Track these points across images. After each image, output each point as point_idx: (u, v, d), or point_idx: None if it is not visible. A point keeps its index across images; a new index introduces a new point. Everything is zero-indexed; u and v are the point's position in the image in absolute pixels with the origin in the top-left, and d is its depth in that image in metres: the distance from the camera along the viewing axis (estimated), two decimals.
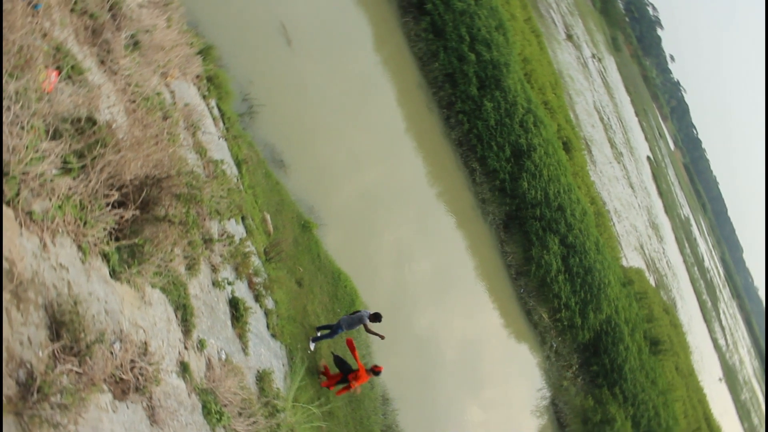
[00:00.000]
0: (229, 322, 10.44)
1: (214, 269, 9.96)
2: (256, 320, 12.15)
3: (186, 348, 7.75)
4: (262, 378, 11.17)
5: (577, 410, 33.09)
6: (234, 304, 10.76)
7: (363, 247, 22.69)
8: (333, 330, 15.85)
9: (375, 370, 15.54)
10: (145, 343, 5.72)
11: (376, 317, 15.66)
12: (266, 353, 12.45)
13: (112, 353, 4.91)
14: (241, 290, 11.76)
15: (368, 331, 15.76)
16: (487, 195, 33.09)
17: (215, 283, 9.94)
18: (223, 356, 9.27)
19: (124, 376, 5.04)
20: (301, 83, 23.39)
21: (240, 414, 8.83)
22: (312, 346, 15.83)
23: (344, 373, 15.36)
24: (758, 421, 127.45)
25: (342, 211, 22.23)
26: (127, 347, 5.24)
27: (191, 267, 8.44)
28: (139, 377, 5.37)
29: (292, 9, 25.16)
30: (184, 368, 7.34)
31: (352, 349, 15.21)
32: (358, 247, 22.34)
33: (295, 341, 14.78)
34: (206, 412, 7.75)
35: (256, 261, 13.29)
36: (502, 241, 33.34)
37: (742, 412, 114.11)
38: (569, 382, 34.16)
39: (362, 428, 16.87)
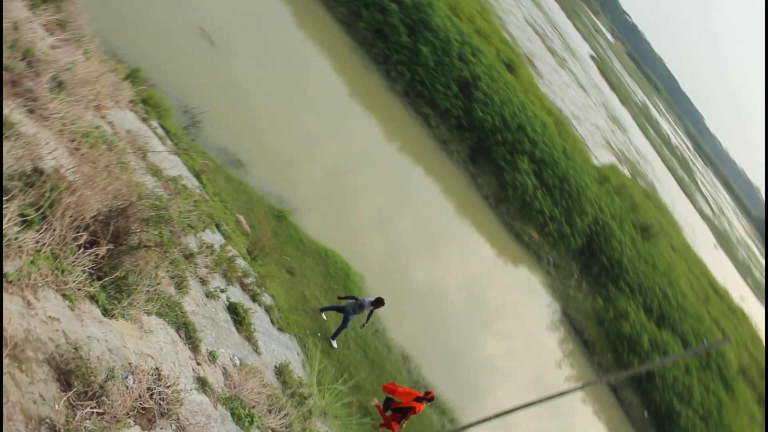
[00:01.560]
0: (233, 328, 10.46)
1: (204, 281, 9.94)
2: (259, 319, 12.18)
3: (198, 363, 7.77)
4: (281, 372, 11.24)
5: (589, 314, 33.67)
6: (232, 309, 10.77)
7: (342, 221, 22.71)
8: (344, 319, 15.98)
9: (428, 397, 15.58)
10: (157, 369, 5.73)
11: (378, 302, 15.86)
12: (278, 348, 12.51)
13: (127, 387, 4.93)
14: (236, 295, 11.75)
15: (367, 318, 16.15)
16: (446, 135, 33.17)
17: (209, 295, 9.93)
18: (237, 362, 9.31)
19: (146, 405, 5.07)
20: (236, 80, 23.14)
21: (270, 411, 8.90)
22: (323, 315, 16.20)
23: (402, 413, 15.40)
24: (759, 274, 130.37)
25: (312, 192, 22.19)
26: (140, 378, 5.25)
27: (180, 285, 8.42)
28: (161, 402, 5.39)
29: (205, 11, 24.78)
30: (202, 383, 7.37)
31: (392, 391, 15.38)
32: (338, 222, 22.36)
33: (303, 329, 14.85)
34: (236, 418, 7.81)
35: (242, 263, 13.26)
36: (473, 175, 33.53)
37: (743, 270, 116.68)
38: (575, 290, 34.71)
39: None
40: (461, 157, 33.54)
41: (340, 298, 16.24)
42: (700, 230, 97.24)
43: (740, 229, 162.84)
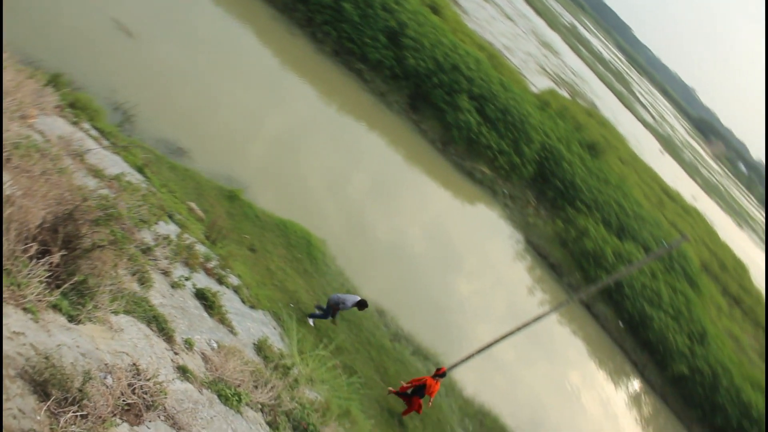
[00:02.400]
0: (204, 314, 10.43)
1: (166, 273, 9.87)
2: (229, 300, 12.15)
3: (176, 353, 7.76)
4: (261, 347, 11.27)
5: (551, 237, 34.32)
6: (200, 295, 10.72)
7: (295, 189, 22.60)
8: (326, 312, 15.97)
9: (440, 373, 15.90)
10: (134, 364, 5.71)
11: (361, 305, 15.88)
12: (253, 325, 12.52)
13: (106, 387, 4.91)
14: (201, 280, 11.69)
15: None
16: (382, 87, 33.06)
17: (174, 285, 9.87)
18: (215, 345, 9.31)
19: (129, 401, 5.06)
20: (162, 68, 22.60)
21: (256, 387, 8.95)
22: (310, 321, 15.98)
23: (417, 395, 15.65)
24: (707, 172, 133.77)
25: (260, 166, 22.01)
26: (118, 376, 5.24)
27: (143, 280, 8.35)
28: (145, 396, 5.39)
29: (116, 2, 23.99)
30: (183, 371, 7.37)
31: (405, 389, 15.68)
32: (291, 191, 22.25)
33: (275, 302, 14.86)
34: (224, 399, 7.85)
35: (201, 249, 13.17)
36: (416, 122, 33.58)
37: (691, 170, 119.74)
38: (534, 217, 35.29)
39: (372, 347, 17.29)
40: (401, 106, 33.49)
41: (318, 307, 16.32)
42: (645, 139, 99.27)
43: (682, 131, 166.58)
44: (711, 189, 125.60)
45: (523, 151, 36.29)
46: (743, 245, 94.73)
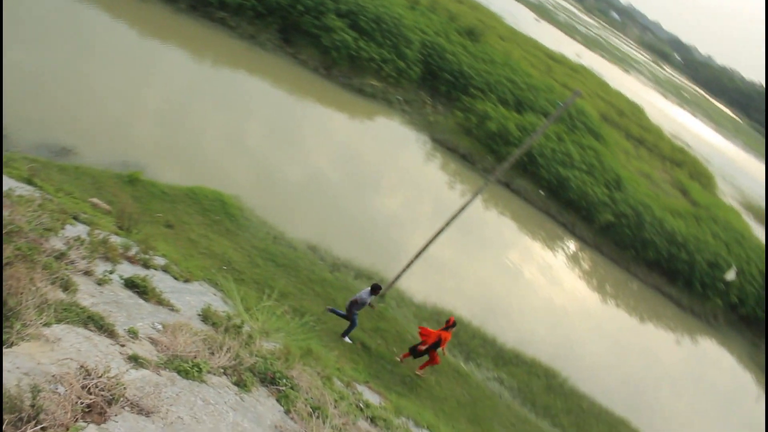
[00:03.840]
0: (140, 300, 10.25)
1: (88, 272, 9.59)
2: (161, 281, 11.95)
3: (122, 345, 7.64)
4: (206, 316, 11.19)
5: (455, 130, 34.81)
6: (130, 284, 10.50)
7: (195, 155, 22.05)
8: (351, 321, 16.05)
9: (450, 324, 16.16)
10: (82, 366, 5.62)
11: (375, 289, 16.00)
12: (192, 297, 12.40)
13: (60, 395, 4.84)
14: (127, 270, 11.43)
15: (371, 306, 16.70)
16: (250, 30, 32.22)
17: (100, 282, 9.62)
18: (159, 327, 9.20)
19: (88, 402, 5.01)
20: (18, 72, 21.29)
21: (213, 353, 8.94)
22: (347, 339, 16.12)
23: (432, 348, 15.92)
24: (584, 28, 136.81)
25: (152, 143, 21.34)
26: (69, 381, 5.16)
27: (66, 286, 8.11)
28: (102, 393, 5.34)
29: None
30: (134, 359, 7.28)
31: (426, 335, 16.00)
32: (191, 158, 21.73)
33: (207, 270, 14.71)
34: (184, 374, 7.82)
35: (117, 240, 12.82)
36: (294, 55, 33.04)
37: (569, 30, 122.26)
38: (433, 115, 35.67)
39: (314, 283, 17.44)
40: (274, 43, 32.76)
41: (330, 310, 16.45)
42: (519, 12, 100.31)
43: None
44: (592, 43, 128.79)
45: (405, 55, 36.22)
46: (633, 88, 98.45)
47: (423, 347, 16.08)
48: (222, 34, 31.28)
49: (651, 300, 32.70)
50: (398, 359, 16.47)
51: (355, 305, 15.83)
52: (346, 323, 16.18)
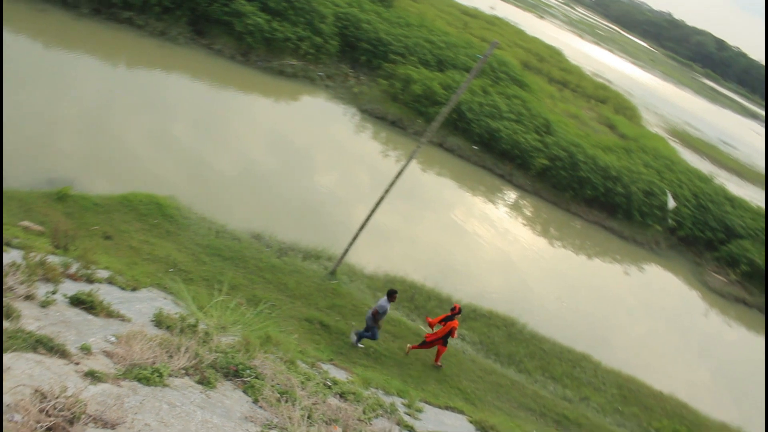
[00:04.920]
0: (89, 316, 10.06)
1: (29, 297, 9.36)
2: (107, 294, 11.74)
3: (77, 363, 7.51)
4: (159, 320, 11.06)
5: (381, 98, 34.84)
6: (76, 301, 10.28)
7: (122, 162, 21.43)
8: (372, 332, 15.97)
9: (456, 312, 16.37)
10: (37, 391, 5.51)
11: (391, 295, 15.95)
12: (143, 305, 12.24)
13: (17, 423, 4.74)
14: (70, 288, 11.18)
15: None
16: (159, 26, 31.46)
17: (43, 304, 9.39)
18: (113, 339, 9.06)
19: (48, 424, 4.92)
20: None
21: (171, 356, 8.86)
22: (354, 340, 16.08)
23: (443, 339, 16.15)
24: None
25: (77, 156, 20.68)
26: (25, 407, 5.05)
27: (8, 314, 7.91)
28: (62, 413, 5.26)
29: None
30: (92, 375, 7.17)
31: (432, 324, 16.31)
32: (119, 166, 21.12)
33: (153, 275, 14.50)
34: (145, 381, 7.75)
35: (55, 259, 12.51)
36: (209, 45, 32.46)
37: None
38: (357, 87, 35.59)
39: (264, 270, 17.37)
40: (187, 36, 32.02)
41: (358, 337, 16.29)
42: None
43: None
44: None
45: (321, 30, 35.90)
46: (550, 33, 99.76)
47: (433, 337, 16.30)
48: (131, 34, 30.36)
49: (595, 236, 33.58)
50: (406, 352, 16.67)
51: (378, 315, 15.76)
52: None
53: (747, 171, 73.47)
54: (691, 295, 32.76)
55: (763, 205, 47.94)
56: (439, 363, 16.63)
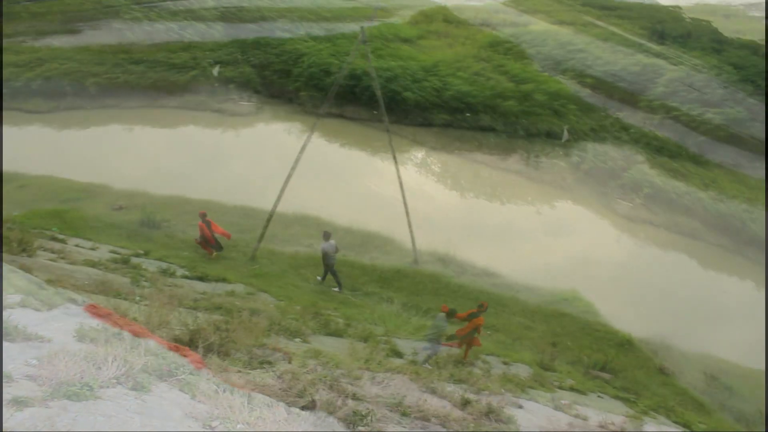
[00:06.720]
0: (4, 343, 9.70)
1: None
2: (22, 317, 11.30)
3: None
4: (81, 334, 10.71)
5: (276, 77, 34.15)
6: None
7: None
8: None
9: (482, 309, 16.09)
10: None
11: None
12: (60, 324, 11.73)
13: None
14: None
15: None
16: None
17: None
18: (34, 362, 8.74)
19: None
20: None
21: (99, 368, 8.60)
22: (427, 365, 14.65)
23: (471, 336, 15.82)
24: None
25: None
26: None
27: None
28: None
29: None
30: (16, 402, 6.96)
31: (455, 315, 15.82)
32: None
33: (73, 289, 14.01)
34: (75, 397, 7.57)
35: None
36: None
37: None
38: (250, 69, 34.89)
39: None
40: None
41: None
42: None
43: None
44: None
45: (203, 16, 35.08)
46: None
47: (463, 333, 16.09)
48: None
49: (504, 183, 34.23)
50: (461, 352, 16.33)
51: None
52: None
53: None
54: (602, 224, 33.83)
55: None
56: (467, 359, 16.21)
